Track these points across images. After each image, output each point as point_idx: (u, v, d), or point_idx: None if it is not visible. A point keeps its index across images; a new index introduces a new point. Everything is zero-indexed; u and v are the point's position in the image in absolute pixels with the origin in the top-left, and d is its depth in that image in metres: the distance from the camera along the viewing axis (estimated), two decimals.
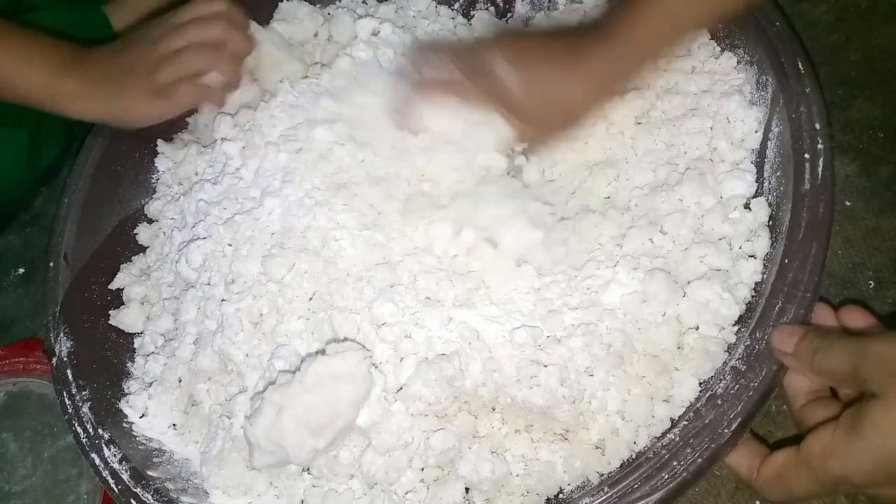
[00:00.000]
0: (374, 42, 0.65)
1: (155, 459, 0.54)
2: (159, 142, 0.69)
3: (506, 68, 0.51)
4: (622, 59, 0.51)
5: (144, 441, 0.55)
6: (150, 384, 0.58)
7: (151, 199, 0.68)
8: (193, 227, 0.60)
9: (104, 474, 0.52)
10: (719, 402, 0.43)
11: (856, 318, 0.44)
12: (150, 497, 0.50)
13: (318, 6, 0.72)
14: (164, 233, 0.65)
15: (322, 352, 0.48)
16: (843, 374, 0.39)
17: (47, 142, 0.76)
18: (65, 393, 0.55)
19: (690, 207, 0.52)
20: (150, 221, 0.67)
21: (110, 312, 0.62)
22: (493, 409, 0.49)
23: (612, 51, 0.51)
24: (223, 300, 0.55)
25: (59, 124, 0.76)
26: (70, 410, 0.55)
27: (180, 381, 0.57)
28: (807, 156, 0.48)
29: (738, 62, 0.57)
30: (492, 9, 0.72)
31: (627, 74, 0.54)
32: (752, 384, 0.43)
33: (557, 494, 0.47)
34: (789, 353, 0.42)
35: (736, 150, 0.54)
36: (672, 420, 0.46)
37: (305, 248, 0.55)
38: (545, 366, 0.47)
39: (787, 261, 0.46)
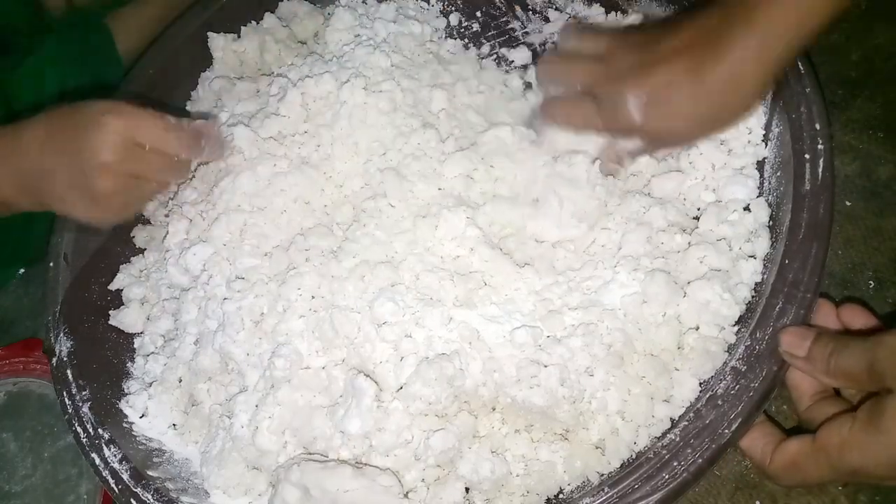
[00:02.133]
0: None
1: (155, 459, 0.54)
2: None
3: (633, 103, 0.47)
4: (767, 43, 0.43)
5: (144, 441, 0.55)
6: (150, 384, 0.58)
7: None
8: (188, 231, 0.61)
9: (104, 474, 0.52)
10: (719, 402, 0.43)
11: (857, 318, 0.45)
12: (150, 497, 0.50)
13: (318, 6, 0.72)
14: (163, 234, 0.64)
15: (359, 461, 0.48)
16: (858, 374, 0.39)
17: None
18: (65, 393, 0.55)
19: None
20: (148, 222, 0.67)
21: (110, 312, 0.62)
22: (493, 409, 0.49)
23: (754, 37, 0.43)
24: (225, 298, 0.55)
25: None
26: (70, 410, 0.55)
27: (180, 381, 0.57)
28: (807, 156, 0.48)
29: None
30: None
31: (778, 58, 0.44)
32: (752, 384, 0.43)
33: (557, 494, 0.47)
34: (801, 356, 0.42)
35: (739, 156, 0.54)
36: (672, 420, 0.46)
37: (306, 248, 0.55)
38: (545, 366, 0.47)
39: (787, 261, 0.46)
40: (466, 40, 0.70)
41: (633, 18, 0.63)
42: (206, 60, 0.71)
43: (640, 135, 0.49)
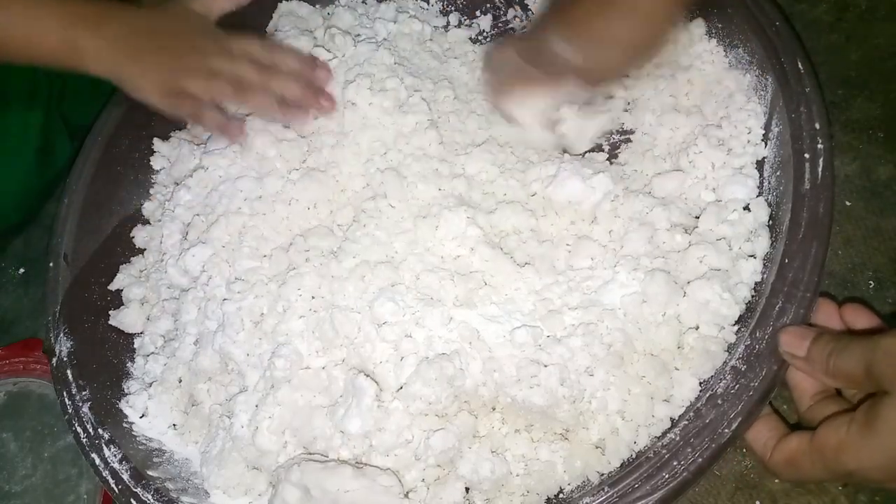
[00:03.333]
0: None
1: (155, 459, 0.54)
2: (156, 141, 0.69)
3: (559, 44, 0.51)
4: None
5: (144, 441, 0.55)
6: (150, 384, 0.58)
7: (147, 199, 0.68)
8: (187, 233, 0.61)
9: (104, 474, 0.52)
10: (719, 401, 0.43)
11: (860, 318, 0.44)
12: (150, 497, 0.50)
13: (317, 6, 0.72)
14: (161, 234, 0.64)
15: (359, 460, 0.48)
16: (857, 375, 0.39)
17: (55, 152, 0.76)
18: (65, 393, 0.56)
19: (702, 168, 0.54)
20: (147, 222, 0.67)
21: (110, 313, 0.62)
22: (493, 409, 0.49)
23: None
24: (225, 299, 0.55)
25: (66, 133, 0.75)
26: (70, 410, 0.55)
27: (180, 381, 0.57)
28: (807, 156, 0.48)
29: (738, 62, 0.57)
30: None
31: None
32: (752, 384, 0.43)
33: (557, 494, 0.47)
34: (801, 356, 0.42)
35: (739, 155, 0.54)
36: (672, 420, 0.46)
37: (306, 248, 0.55)
38: (545, 366, 0.47)
39: (787, 261, 0.46)
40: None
41: None
42: None
43: (575, 72, 0.52)
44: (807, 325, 0.44)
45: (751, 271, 0.49)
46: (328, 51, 0.65)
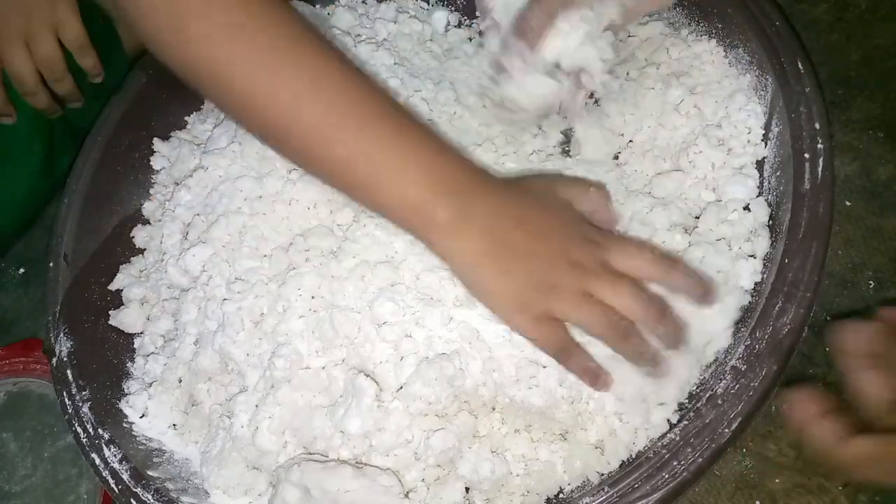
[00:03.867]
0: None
1: (155, 459, 0.54)
2: (156, 140, 0.68)
3: None
4: None
5: (144, 441, 0.55)
6: (150, 384, 0.58)
7: (147, 199, 0.68)
8: (187, 233, 0.61)
9: (104, 474, 0.52)
10: (719, 401, 0.43)
11: None
12: (150, 497, 0.50)
13: (317, 6, 0.72)
14: (161, 234, 0.64)
15: (359, 460, 0.48)
16: None
17: (60, 155, 0.76)
18: (65, 393, 0.56)
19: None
20: (147, 222, 0.67)
21: (110, 313, 0.62)
22: (493, 409, 0.49)
23: None
24: (225, 299, 0.55)
25: (71, 135, 0.75)
26: (70, 410, 0.55)
27: (180, 381, 0.57)
28: (807, 156, 0.48)
29: (738, 62, 0.57)
30: None
31: None
32: (752, 384, 0.43)
33: (557, 494, 0.47)
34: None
35: (739, 155, 0.54)
36: (669, 422, 0.46)
37: (306, 248, 0.55)
38: (544, 366, 0.47)
39: (787, 261, 0.46)
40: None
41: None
42: None
43: None
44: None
45: (751, 271, 0.49)
46: None
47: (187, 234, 0.61)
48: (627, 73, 0.61)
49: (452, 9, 0.72)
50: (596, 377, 0.45)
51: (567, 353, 0.45)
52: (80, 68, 0.67)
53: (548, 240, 0.45)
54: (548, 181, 0.50)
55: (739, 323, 0.48)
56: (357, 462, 0.48)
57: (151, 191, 0.68)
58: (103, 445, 0.53)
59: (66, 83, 0.66)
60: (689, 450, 0.42)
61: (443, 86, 0.63)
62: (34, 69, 0.64)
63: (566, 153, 0.60)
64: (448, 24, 0.72)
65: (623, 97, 0.59)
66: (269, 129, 0.46)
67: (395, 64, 0.63)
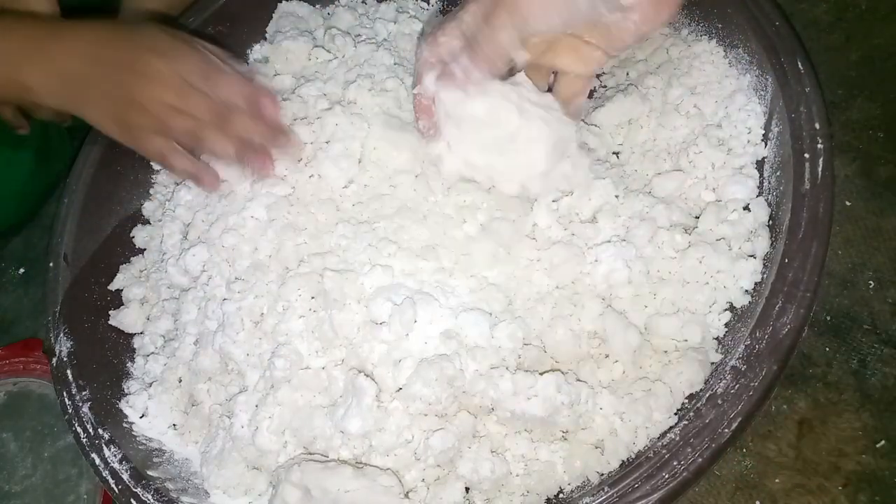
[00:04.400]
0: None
1: (155, 459, 0.54)
2: None
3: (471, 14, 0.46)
4: None
5: (144, 441, 0.55)
6: (150, 384, 0.58)
7: (147, 199, 0.68)
8: (187, 233, 0.61)
9: (104, 474, 0.52)
10: (719, 401, 0.43)
11: None
12: (150, 497, 0.50)
13: (317, 6, 0.72)
14: (161, 234, 0.64)
15: (359, 460, 0.48)
16: None
17: (54, 155, 0.76)
18: (65, 393, 0.56)
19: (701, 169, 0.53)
20: (147, 222, 0.67)
21: (110, 313, 0.62)
22: (493, 409, 0.49)
23: None
24: (225, 299, 0.55)
25: (65, 136, 0.76)
26: (70, 410, 0.55)
27: (180, 381, 0.57)
28: (807, 156, 0.48)
29: (738, 62, 0.57)
30: None
31: None
32: (752, 383, 0.43)
33: (557, 494, 0.47)
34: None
35: (739, 155, 0.54)
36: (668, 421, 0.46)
37: (307, 249, 0.55)
38: (541, 374, 0.47)
39: (787, 261, 0.46)
40: None
41: None
42: None
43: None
44: None
45: (751, 271, 0.49)
46: (328, 51, 0.65)
47: (187, 234, 0.61)
48: (627, 74, 0.62)
49: (452, 8, 0.72)
50: (199, 177, 0.56)
51: (166, 159, 0.54)
52: None
53: (128, 66, 0.52)
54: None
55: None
56: (357, 462, 0.48)
57: (151, 191, 0.68)
58: (103, 445, 0.53)
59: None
60: (689, 450, 0.42)
61: None
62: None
63: None
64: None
65: (622, 99, 0.59)
66: None
67: (395, 64, 0.63)
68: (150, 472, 0.52)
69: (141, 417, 0.57)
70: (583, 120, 0.58)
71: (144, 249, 0.65)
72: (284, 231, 0.56)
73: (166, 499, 0.50)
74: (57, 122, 0.70)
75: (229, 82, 0.54)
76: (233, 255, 0.56)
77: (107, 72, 0.53)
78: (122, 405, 0.57)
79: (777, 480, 0.50)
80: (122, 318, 0.61)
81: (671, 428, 0.45)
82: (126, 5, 0.72)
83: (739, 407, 0.42)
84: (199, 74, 0.53)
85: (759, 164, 0.53)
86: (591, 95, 0.57)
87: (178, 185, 0.64)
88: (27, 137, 0.72)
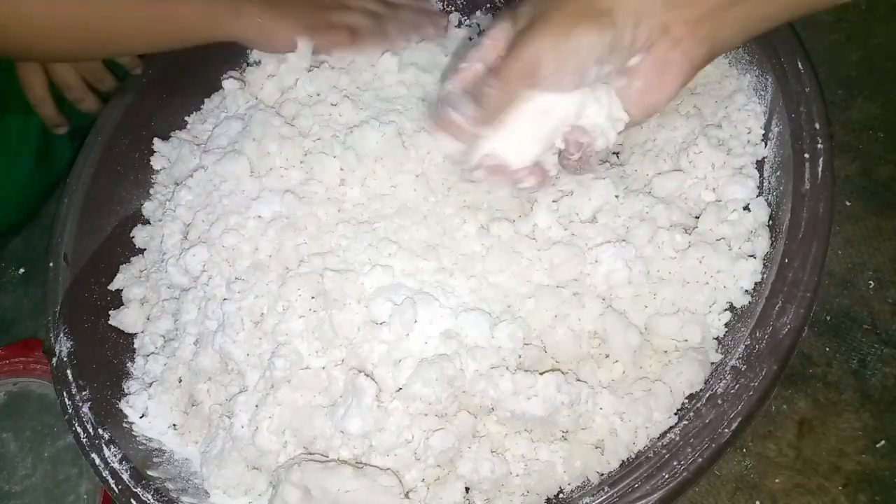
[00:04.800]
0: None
1: (155, 459, 0.54)
2: (156, 140, 0.68)
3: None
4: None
5: (144, 441, 0.55)
6: (150, 384, 0.58)
7: (147, 199, 0.68)
8: (187, 233, 0.61)
9: (104, 474, 0.52)
10: (719, 401, 0.43)
11: None
12: (150, 497, 0.50)
13: None
14: (161, 234, 0.64)
15: (359, 460, 0.48)
16: None
17: (54, 155, 0.76)
18: (65, 393, 0.55)
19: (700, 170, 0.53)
20: (147, 222, 0.67)
21: (110, 313, 0.62)
22: (492, 409, 0.49)
23: None
24: (225, 299, 0.55)
25: (66, 139, 0.76)
26: (70, 410, 0.55)
27: (180, 381, 0.57)
28: (807, 156, 0.48)
29: (738, 62, 0.57)
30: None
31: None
32: (752, 383, 0.43)
33: (557, 494, 0.47)
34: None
35: (739, 155, 0.54)
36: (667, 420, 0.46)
37: (307, 249, 0.55)
38: (541, 374, 0.47)
39: (787, 261, 0.46)
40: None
41: None
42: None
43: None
44: None
45: (751, 271, 0.49)
46: (329, 55, 0.65)
47: (187, 234, 0.61)
48: None
49: (453, 9, 0.72)
50: (420, 26, 0.68)
51: (357, 35, 0.64)
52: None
53: None
54: None
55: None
56: (357, 462, 0.48)
57: (151, 191, 0.68)
58: (103, 445, 0.53)
59: (108, 81, 0.70)
60: (689, 450, 0.42)
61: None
62: (79, 75, 0.68)
63: None
64: (448, 24, 0.72)
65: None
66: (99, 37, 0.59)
67: (394, 63, 0.63)
68: (150, 472, 0.52)
69: (141, 417, 0.57)
70: None
71: (144, 249, 0.65)
72: (284, 231, 0.56)
73: (166, 499, 0.50)
74: (53, 130, 0.71)
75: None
76: (233, 255, 0.57)
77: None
78: (122, 405, 0.57)
79: (777, 480, 0.50)
80: (122, 318, 0.61)
81: (671, 428, 0.45)
82: None
83: (739, 407, 0.42)
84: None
85: (759, 164, 0.53)
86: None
87: (178, 185, 0.65)
88: (27, 138, 0.72)
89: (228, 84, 0.68)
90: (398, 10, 0.66)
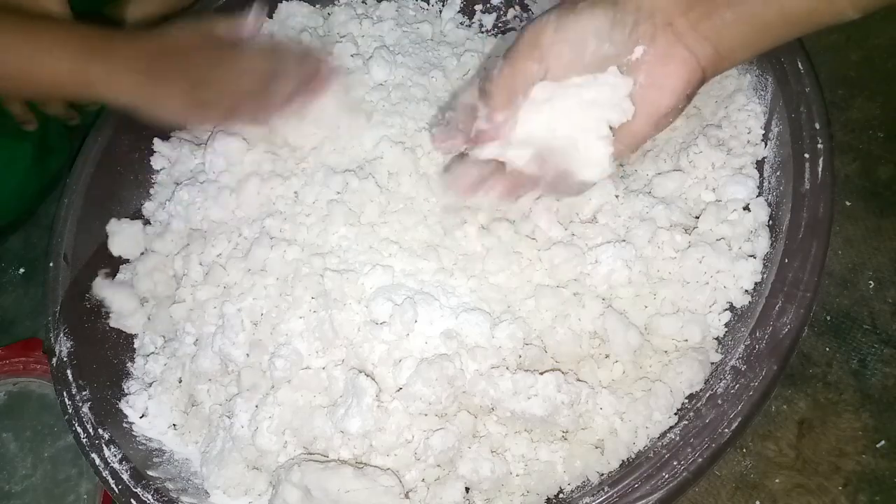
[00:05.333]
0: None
1: (155, 459, 0.54)
2: (156, 141, 0.68)
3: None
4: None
5: (144, 441, 0.55)
6: (150, 384, 0.58)
7: (147, 199, 0.68)
8: (187, 233, 0.61)
9: (104, 474, 0.52)
10: (719, 401, 0.43)
11: None
12: (150, 497, 0.50)
13: (317, 6, 0.72)
14: (160, 234, 0.64)
15: (360, 460, 0.48)
16: None
17: (53, 152, 0.76)
18: (65, 393, 0.55)
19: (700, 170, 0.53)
20: (147, 222, 0.67)
21: (110, 313, 0.62)
22: (493, 409, 0.49)
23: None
24: (225, 300, 0.55)
25: (64, 133, 0.76)
26: (70, 410, 0.55)
27: (180, 381, 0.57)
28: (807, 156, 0.48)
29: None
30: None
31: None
32: (752, 383, 0.43)
33: (557, 494, 0.47)
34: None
35: (739, 155, 0.54)
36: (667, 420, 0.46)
37: (307, 249, 0.55)
38: (541, 374, 0.47)
39: (787, 261, 0.46)
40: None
41: None
42: None
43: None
44: None
45: (751, 271, 0.49)
46: (328, 51, 0.65)
47: (187, 233, 0.61)
48: None
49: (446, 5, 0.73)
50: (306, 92, 0.59)
51: (233, 113, 0.57)
52: None
53: (188, 54, 0.56)
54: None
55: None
56: (357, 462, 0.48)
57: (151, 191, 0.68)
58: (103, 445, 0.53)
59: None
60: (689, 450, 0.42)
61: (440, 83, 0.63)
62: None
63: None
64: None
65: None
66: None
67: (395, 63, 0.63)
68: (150, 472, 0.52)
69: (141, 417, 0.57)
70: None
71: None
72: (285, 231, 0.56)
73: (166, 499, 0.50)
74: (65, 119, 0.70)
75: (285, 57, 0.59)
76: (233, 256, 0.56)
77: (172, 60, 0.56)
78: (122, 405, 0.57)
79: (777, 480, 0.50)
80: (122, 318, 0.61)
81: (671, 428, 0.45)
82: (129, 6, 0.73)
83: (739, 407, 0.42)
84: (259, 60, 0.58)
85: (759, 164, 0.53)
86: None
87: (177, 185, 0.64)
88: (26, 132, 0.72)
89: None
90: (287, 66, 0.58)
